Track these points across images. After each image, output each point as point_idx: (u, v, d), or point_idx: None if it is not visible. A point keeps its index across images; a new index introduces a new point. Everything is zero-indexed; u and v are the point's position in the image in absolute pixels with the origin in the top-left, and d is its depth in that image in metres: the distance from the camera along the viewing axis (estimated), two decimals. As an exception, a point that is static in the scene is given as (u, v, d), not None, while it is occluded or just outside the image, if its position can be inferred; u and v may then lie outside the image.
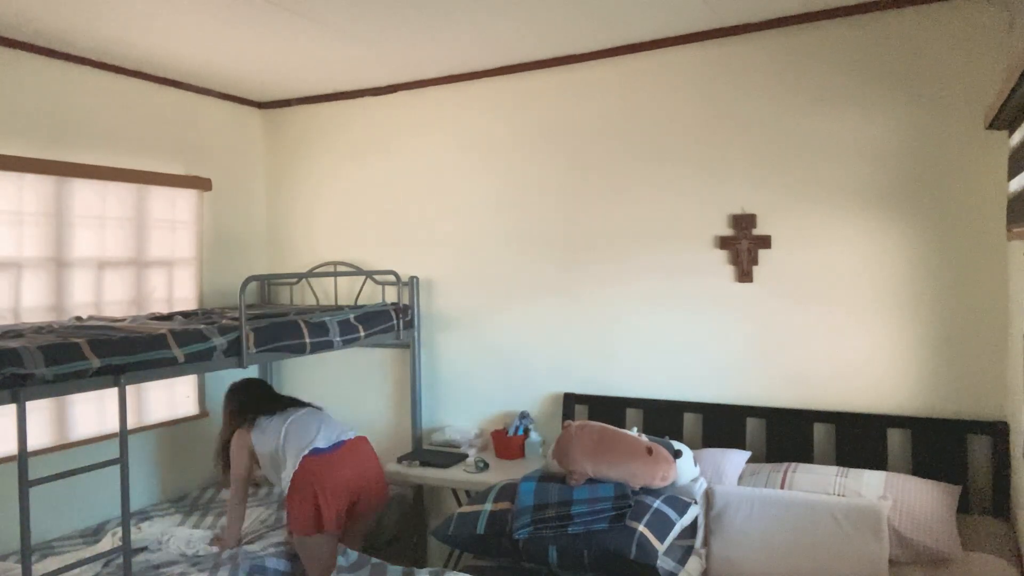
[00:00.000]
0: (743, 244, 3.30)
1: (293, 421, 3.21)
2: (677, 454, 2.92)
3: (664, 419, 3.45)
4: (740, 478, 3.04)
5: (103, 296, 3.64)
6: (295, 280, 4.38)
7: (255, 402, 3.32)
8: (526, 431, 3.72)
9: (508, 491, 2.89)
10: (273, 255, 4.60)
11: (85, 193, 3.55)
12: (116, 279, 3.70)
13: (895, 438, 3.05)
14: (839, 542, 2.54)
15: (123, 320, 3.12)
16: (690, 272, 3.44)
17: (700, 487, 2.97)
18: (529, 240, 3.82)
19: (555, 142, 3.73)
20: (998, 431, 2.85)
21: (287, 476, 3.07)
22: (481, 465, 3.53)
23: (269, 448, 3.16)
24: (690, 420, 3.44)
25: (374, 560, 2.53)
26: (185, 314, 3.43)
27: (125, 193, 3.74)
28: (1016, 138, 2.36)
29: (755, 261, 3.29)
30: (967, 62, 2.90)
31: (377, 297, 4.17)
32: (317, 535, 3.02)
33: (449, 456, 3.73)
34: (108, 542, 3.27)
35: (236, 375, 3.45)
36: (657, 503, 2.74)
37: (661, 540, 2.59)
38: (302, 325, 3.16)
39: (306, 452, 3.08)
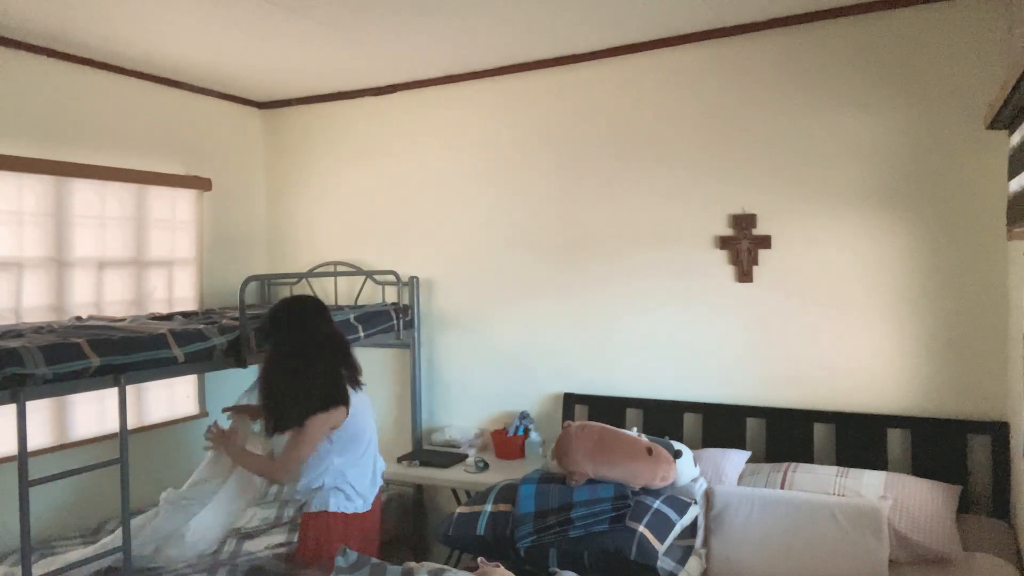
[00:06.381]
0: (743, 244, 3.30)
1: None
2: (677, 454, 2.92)
3: (664, 419, 3.45)
4: (740, 478, 3.04)
5: (103, 296, 3.64)
6: (295, 280, 4.38)
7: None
8: (526, 431, 3.72)
9: (508, 492, 2.89)
10: (273, 255, 4.60)
11: (85, 193, 3.55)
12: (116, 279, 3.70)
13: (895, 438, 3.04)
14: (839, 542, 2.54)
15: (123, 320, 3.11)
16: (690, 272, 3.43)
17: (700, 487, 2.97)
18: (529, 240, 3.81)
19: (555, 142, 3.73)
20: (998, 431, 2.85)
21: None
22: (481, 465, 3.53)
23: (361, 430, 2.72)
24: (690, 420, 3.44)
25: (374, 560, 2.53)
26: (185, 314, 3.43)
27: (125, 193, 3.74)
28: (1016, 138, 2.36)
29: (755, 261, 3.29)
30: (967, 62, 2.90)
31: (377, 297, 4.17)
32: None
33: (449, 456, 3.73)
34: (108, 541, 3.26)
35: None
36: (657, 503, 2.74)
37: (661, 540, 2.59)
38: (302, 325, 3.15)
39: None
